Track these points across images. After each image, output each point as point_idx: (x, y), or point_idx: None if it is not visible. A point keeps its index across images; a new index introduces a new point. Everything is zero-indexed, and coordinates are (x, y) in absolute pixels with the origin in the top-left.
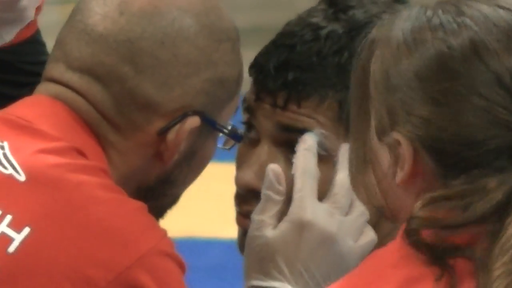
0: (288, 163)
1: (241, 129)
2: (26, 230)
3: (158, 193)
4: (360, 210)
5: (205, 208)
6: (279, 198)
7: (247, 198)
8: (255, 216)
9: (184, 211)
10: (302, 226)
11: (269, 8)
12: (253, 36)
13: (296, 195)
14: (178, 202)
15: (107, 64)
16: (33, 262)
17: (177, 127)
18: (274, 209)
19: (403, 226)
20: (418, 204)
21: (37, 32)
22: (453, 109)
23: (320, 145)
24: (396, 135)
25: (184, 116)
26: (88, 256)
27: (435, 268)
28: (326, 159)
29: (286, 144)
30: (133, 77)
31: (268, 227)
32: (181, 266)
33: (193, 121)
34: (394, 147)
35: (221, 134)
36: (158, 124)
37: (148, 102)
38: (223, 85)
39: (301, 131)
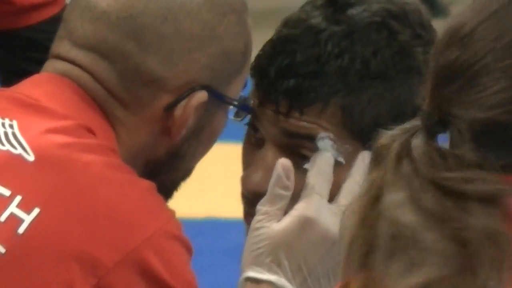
0: (294, 166)
1: (251, 101)
2: (36, 211)
3: (168, 168)
4: None
5: (226, 188)
6: (286, 193)
7: (254, 201)
8: (260, 207)
9: (204, 192)
10: (306, 222)
11: None
12: (271, 17)
13: (305, 192)
14: (198, 183)
15: (111, 41)
16: (41, 243)
17: (184, 102)
18: (280, 203)
19: None
20: None
21: (65, 9)
22: None
23: (331, 148)
24: None
25: (191, 91)
26: (95, 237)
27: None
28: (334, 162)
29: (291, 149)
30: (137, 54)
31: (273, 220)
32: (188, 249)
33: (200, 96)
34: None
35: (232, 107)
36: (165, 99)
37: (153, 78)
38: (229, 58)
39: (306, 136)
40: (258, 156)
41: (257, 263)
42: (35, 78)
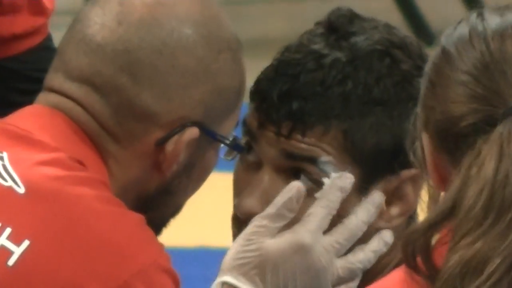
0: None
1: (242, 140)
2: (25, 243)
3: (158, 203)
4: (355, 263)
5: (218, 217)
6: (290, 215)
7: (248, 223)
8: (260, 219)
9: (196, 221)
10: (299, 247)
11: (278, 18)
12: (261, 46)
13: (307, 217)
14: (191, 212)
15: (105, 74)
16: (31, 275)
17: (175, 138)
18: (281, 223)
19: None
20: None
21: (48, 38)
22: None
23: (328, 171)
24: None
25: (182, 127)
26: (86, 269)
27: None
28: None
29: (289, 171)
30: (131, 88)
31: (268, 235)
32: (176, 283)
33: (192, 133)
34: None
35: (223, 145)
36: (157, 134)
37: (146, 113)
38: (222, 96)
39: (307, 158)
40: (253, 179)
41: (241, 271)
42: (26, 110)
